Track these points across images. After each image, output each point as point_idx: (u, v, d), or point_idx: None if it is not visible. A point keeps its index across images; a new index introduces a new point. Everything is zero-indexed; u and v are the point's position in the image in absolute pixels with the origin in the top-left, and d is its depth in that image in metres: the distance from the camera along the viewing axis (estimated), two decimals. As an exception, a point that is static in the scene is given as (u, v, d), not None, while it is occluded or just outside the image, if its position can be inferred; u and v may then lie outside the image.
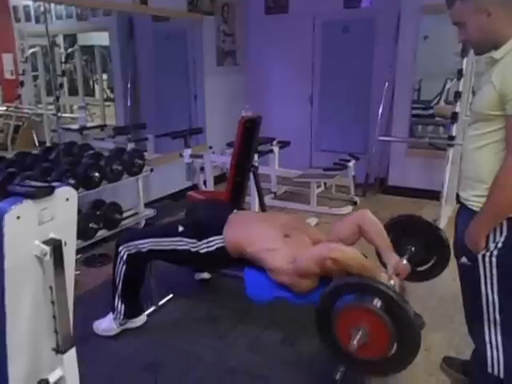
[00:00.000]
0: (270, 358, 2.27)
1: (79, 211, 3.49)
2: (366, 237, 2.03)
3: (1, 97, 6.08)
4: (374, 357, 1.59)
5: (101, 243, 3.55)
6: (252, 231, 2.07)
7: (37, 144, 5.56)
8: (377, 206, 4.69)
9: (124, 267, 2.24)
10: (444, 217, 4.04)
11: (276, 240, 2.00)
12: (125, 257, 2.23)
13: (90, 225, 3.34)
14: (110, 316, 2.41)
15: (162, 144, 4.72)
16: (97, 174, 3.29)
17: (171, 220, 3.83)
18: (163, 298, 2.76)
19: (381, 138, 4.03)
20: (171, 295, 2.80)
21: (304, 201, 4.64)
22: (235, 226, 2.15)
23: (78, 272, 3.03)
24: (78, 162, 3.38)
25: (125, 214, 3.84)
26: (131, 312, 2.41)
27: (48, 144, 5.37)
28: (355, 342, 1.52)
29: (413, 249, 2.12)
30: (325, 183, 4.91)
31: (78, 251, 3.37)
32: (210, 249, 2.11)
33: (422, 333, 1.93)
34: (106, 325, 2.41)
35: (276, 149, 4.51)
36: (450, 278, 2.95)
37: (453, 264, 1.95)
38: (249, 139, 3.16)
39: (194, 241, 2.12)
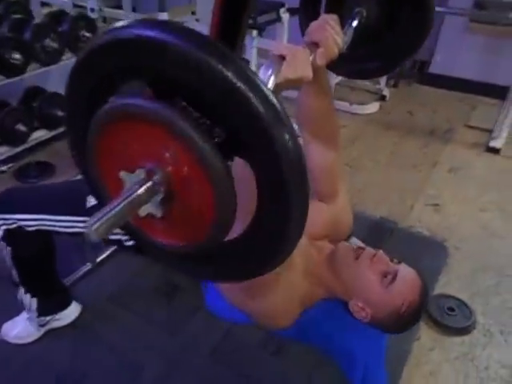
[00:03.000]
0: None
1: (5, 104, 2.54)
2: None
3: None
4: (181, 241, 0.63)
5: (39, 147, 2.66)
6: None
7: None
8: (411, 103, 3.64)
9: (9, 249, 1.37)
10: (503, 124, 3.00)
11: None
12: (0, 233, 1.34)
13: (17, 126, 2.42)
14: (24, 315, 1.59)
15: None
16: (17, 56, 2.26)
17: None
18: (104, 252, 1.96)
19: (438, 8, 2.77)
20: (115, 246, 2.00)
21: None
22: None
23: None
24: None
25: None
26: (49, 305, 1.56)
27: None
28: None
29: (364, 12, 1.07)
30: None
31: (6, 161, 2.51)
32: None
33: None
34: (20, 329, 1.60)
35: (285, 17, 3.29)
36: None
37: None
38: (235, 8, 2.01)
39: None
